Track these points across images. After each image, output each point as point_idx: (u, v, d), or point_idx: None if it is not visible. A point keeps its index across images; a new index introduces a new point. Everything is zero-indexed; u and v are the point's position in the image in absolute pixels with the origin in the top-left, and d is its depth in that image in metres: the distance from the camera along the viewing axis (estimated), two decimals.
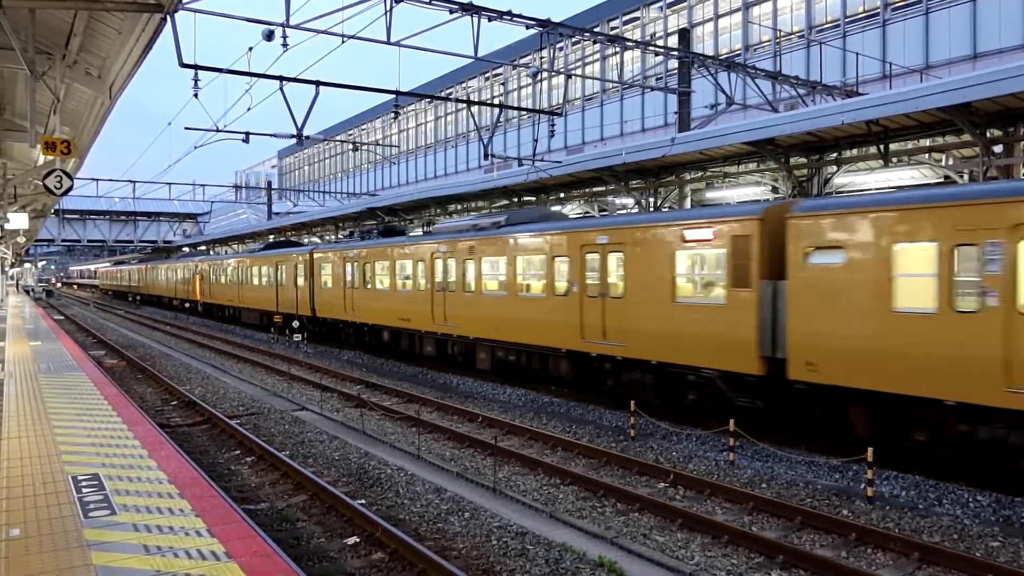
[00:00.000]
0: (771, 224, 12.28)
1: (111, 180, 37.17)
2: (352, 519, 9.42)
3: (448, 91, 54.92)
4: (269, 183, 63.33)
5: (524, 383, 18.56)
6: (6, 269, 57.29)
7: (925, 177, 16.15)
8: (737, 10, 37.13)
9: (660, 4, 40.53)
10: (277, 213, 55.15)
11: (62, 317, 48.09)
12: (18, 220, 21.96)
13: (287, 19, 13.65)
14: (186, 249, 60.91)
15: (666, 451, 13.01)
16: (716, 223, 12.96)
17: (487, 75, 53.48)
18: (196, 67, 13.00)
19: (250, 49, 14.94)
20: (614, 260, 15.08)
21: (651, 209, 20.48)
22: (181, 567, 5.84)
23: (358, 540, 8.86)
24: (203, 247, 60.59)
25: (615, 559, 8.12)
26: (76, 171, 19.90)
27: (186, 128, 18.18)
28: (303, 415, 16.36)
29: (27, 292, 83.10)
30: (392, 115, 21.75)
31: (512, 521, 9.32)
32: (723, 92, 21.31)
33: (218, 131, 17.48)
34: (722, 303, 12.87)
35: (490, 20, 16.06)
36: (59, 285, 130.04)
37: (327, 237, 42.54)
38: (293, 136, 15.76)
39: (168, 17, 9.58)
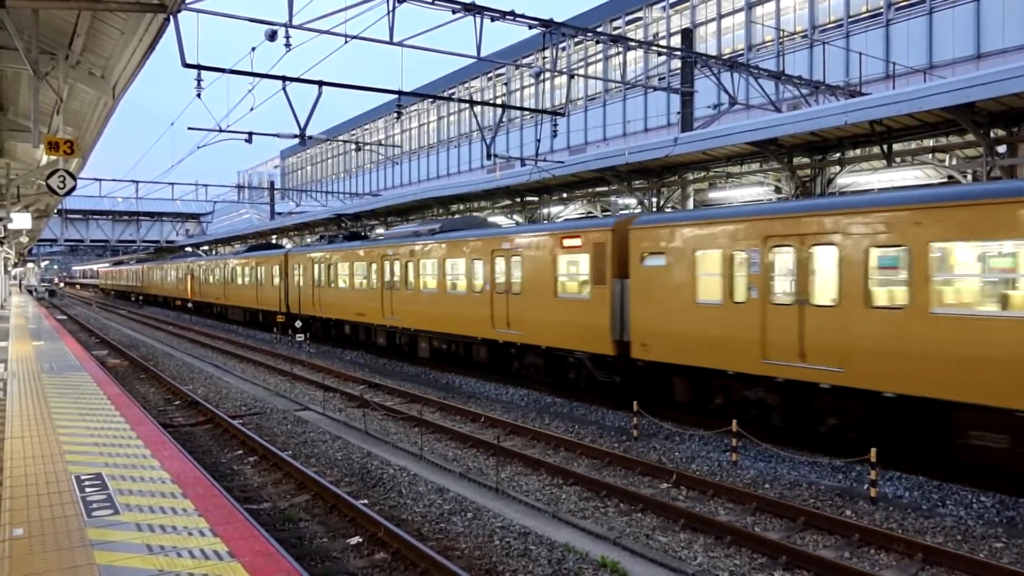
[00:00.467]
0: (620, 234, 15.05)
1: (114, 180, 37.23)
2: (355, 519, 9.42)
3: (451, 91, 54.86)
4: (272, 183, 63.13)
5: (526, 384, 18.60)
6: (9, 269, 57.30)
7: (928, 177, 16.12)
8: (740, 10, 37.04)
9: (663, 4, 40.41)
10: (280, 213, 55.17)
11: (65, 317, 48.19)
12: (21, 220, 21.94)
13: (290, 19, 13.65)
14: (188, 249, 61.01)
15: (669, 451, 13.00)
16: (584, 233, 15.80)
17: (490, 75, 53.45)
18: (199, 67, 13.01)
19: (253, 49, 14.95)
20: (515, 262, 17.88)
21: (654, 210, 20.48)
22: (184, 567, 5.84)
23: (361, 540, 8.86)
24: (190, 248, 60.80)
25: (618, 559, 8.11)
26: (79, 171, 19.88)
27: (189, 128, 18.27)
28: (306, 415, 16.37)
29: (30, 292, 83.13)
30: (395, 115, 21.79)
31: (515, 521, 9.32)
32: (726, 92, 21.27)
33: (221, 131, 17.50)
34: (587, 298, 15.75)
35: (493, 20, 16.04)
36: (62, 285, 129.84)
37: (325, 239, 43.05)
38: (296, 136, 15.77)
39: (171, 17, 9.54)
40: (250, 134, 17.54)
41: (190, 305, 49.01)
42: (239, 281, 38.37)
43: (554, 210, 25.40)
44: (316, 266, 29.02)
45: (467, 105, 20.55)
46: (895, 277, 10.56)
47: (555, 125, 19.51)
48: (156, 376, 21.88)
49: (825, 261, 11.40)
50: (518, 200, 25.58)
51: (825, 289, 11.42)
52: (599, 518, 9.74)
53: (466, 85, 55.19)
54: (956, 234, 9.83)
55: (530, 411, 16.52)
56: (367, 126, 69.83)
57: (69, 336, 26.57)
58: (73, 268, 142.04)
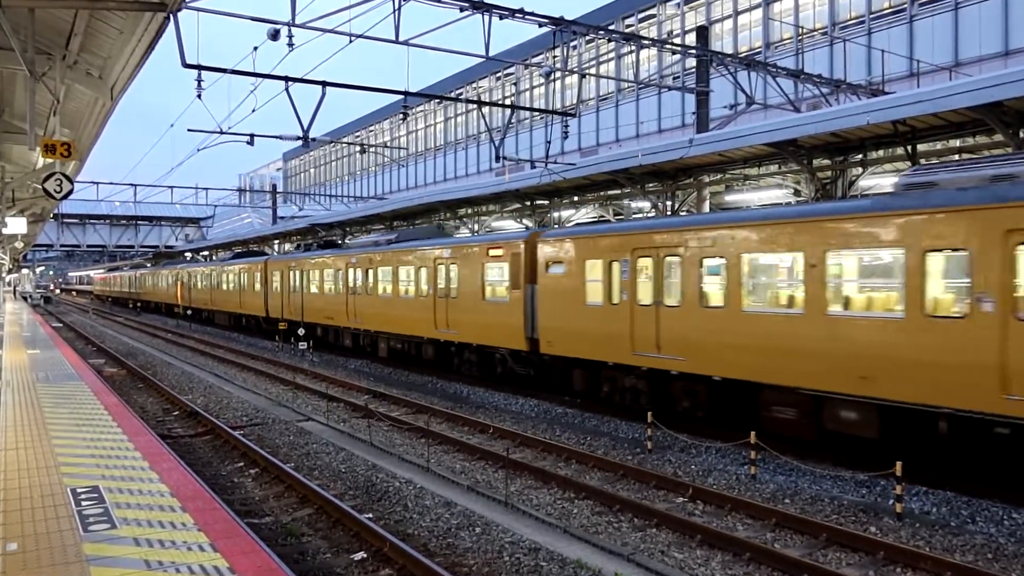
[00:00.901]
0: (532, 245, 17.54)
1: (112, 183, 36.76)
2: (359, 534, 9.28)
3: (458, 91, 54.51)
4: (274, 186, 62.69)
5: (536, 394, 18.41)
6: (3, 275, 57.21)
7: None
8: (757, 6, 36.56)
9: (677, 1, 39.93)
10: (282, 217, 54.95)
11: (60, 324, 48.11)
12: (16, 224, 21.71)
13: (293, 18, 13.49)
14: (188, 255, 61.01)
15: (684, 464, 12.70)
16: (505, 244, 18.41)
17: (498, 75, 53.19)
18: (200, 67, 12.84)
19: (255, 49, 14.75)
20: (453, 269, 20.34)
21: (668, 213, 20.20)
22: None
23: (365, 555, 8.72)
24: (188, 255, 60.89)
25: None
26: (76, 174, 19.74)
27: (189, 130, 18.02)
28: (308, 426, 16.11)
29: (25, 299, 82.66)
30: (400, 116, 21.59)
31: (525, 536, 9.12)
32: (743, 91, 20.86)
33: (222, 133, 17.34)
34: (506, 301, 18.25)
35: (501, 18, 15.74)
36: (58, 291, 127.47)
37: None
38: (299, 138, 15.57)
39: (171, 16, 9.38)
40: (252, 136, 17.43)
41: (183, 311, 50.17)
42: (224, 287, 40.44)
43: (565, 214, 25.12)
44: (292, 272, 31.34)
45: (475, 106, 20.50)
46: (719, 282, 13.11)
47: (566, 126, 19.23)
48: (154, 385, 21.65)
49: (673, 269, 14.01)
50: (527, 203, 25.30)
51: (672, 292, 13.99)
52: (612, 533, 9.53)
53: (474, 85, 54.91)
54: (756, 247, 12.44)
55: (540, 422, 16.26)
56: (372, 128, 69.55)
57: (65, 344, 26.51)
58: (69, 274, 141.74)
